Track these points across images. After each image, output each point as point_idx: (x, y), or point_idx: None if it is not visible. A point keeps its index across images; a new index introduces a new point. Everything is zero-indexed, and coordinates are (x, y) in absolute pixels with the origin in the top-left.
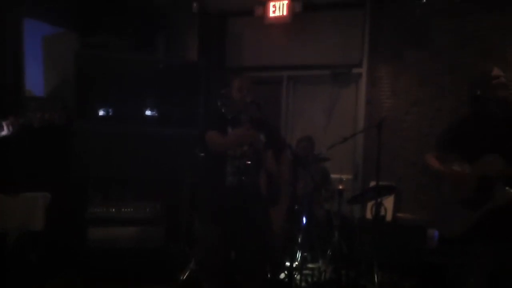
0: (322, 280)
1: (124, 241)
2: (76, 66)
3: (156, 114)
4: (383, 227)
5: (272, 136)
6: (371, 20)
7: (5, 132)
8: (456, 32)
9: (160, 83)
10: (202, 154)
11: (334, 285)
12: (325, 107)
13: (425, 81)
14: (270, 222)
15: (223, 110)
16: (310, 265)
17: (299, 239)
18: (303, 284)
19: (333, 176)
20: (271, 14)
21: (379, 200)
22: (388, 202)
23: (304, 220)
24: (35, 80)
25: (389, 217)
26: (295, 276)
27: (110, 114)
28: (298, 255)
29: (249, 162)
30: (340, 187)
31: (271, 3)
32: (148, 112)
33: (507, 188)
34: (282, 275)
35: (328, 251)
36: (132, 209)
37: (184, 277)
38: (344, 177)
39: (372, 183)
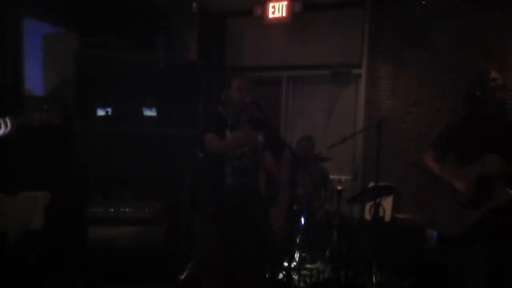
0: (320, 280)
1: (124, 241)
2: (76, 66)
3: (156, 114)
4: (382, 228)
5: (272, 136)
6: (371, 20)
7: (3, 130)
8: (456, 32)
9: (160, 83)
10: (201, 154)
11: (332, 285)
12: (325, 107)
13: (425, 81)
14: (269, 222)
15: (222, 114)
16: (308, 265)
17: (298, 239)
18: (301, 284)
19: (333, 176)
20: (271, 15)
21: (378, 200)
22: (387, 203)
23: (303, 220)
24: (34, 79)
25: (388, 217)
26: (294, 276)
27: (110, 114)
28: (297, 255)
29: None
30: (339, 187)
31: (271, 4)
32: (147, 112)
33: (507, 188)
34: (281, 275)
35: (327, 251)
36: (131, 209)
37: (183, 277)
38: (343, 177)
39: (372, 184)
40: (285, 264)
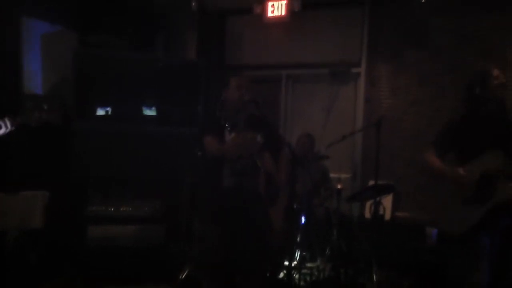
0: (321, 278)
1: (124, 240)
2: (75, 65)
3: (156, 114)
4: (382, 226)
5: (270, 136)
6: (370, 19)
7: (3, 131)
8: (456, 32)
9: (159, 83)
10: (201, 153)
11: (332, 283)
12: (324, 106)
13: (424, 80)
14: (269, 222)
15: (221, 114)
16: (309, 264)
17: (298, 238)
18: (302, 283)
19: (332, 174)
20: (270, 14)
21: (377, 199)
22: (387, 201)
23: (303, 219)
24: (33, 78)
25: (387, 216)
26: (294, 275)
27: (109, 113)
28: (297, 254)
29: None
30: (339, 186)
31: (270, 3)
32: (147, 112)
33: (510, 184)
34: (281, 275)
35: (327, 250)
36: (131, 208)
37: (183, 277)
38: (342, 176)
39: (371, 182)
40: (286, 263)
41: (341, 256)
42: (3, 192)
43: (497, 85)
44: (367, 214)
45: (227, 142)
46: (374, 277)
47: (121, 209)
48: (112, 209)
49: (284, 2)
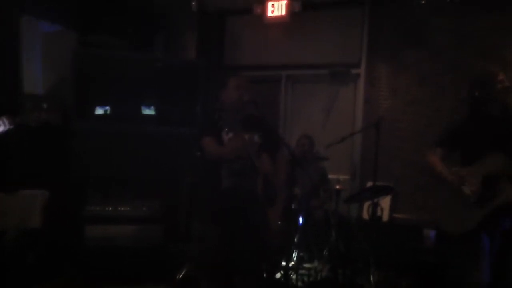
0: (318, 279)
1: (123, 240)
2: (75, 65)
3: (155, 113)
4: (380, 227)
5: (269, 136)
6: (370, 19)
7: (1, 129)
8: (456, 32)
9: (159, 82)
10: (199, 154)
11: (330, 284)
12: (324, 106)
13: (424, 81)
14: (267, 222)
15: (220, 114)
16: (306, 265)
17: (296, 239)
18: (299, 283)
19: (331, 176)
20: (270, 14)
21: (375, 200)
22: (385, 202)
23: (301, 219)
24: (33, 78)
25: (385, 217)
26: (292, 275)
27: (109, 113)
28: (295, 254)
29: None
30: (338, 187)
31: (270, 3)
32: (146, 111)
33: None
34: (279, 275)
35: (325, 251)
36: (130, 208)
37: (181, 277)
38: (341, 177)
39: (370, 183)
40: (283, 263)
41: (339, 257)
42: (3, 192)
43: (503, 88)
44: (365, 215)
45: (224, 143)
46: (372, 277)
47: (120, 209)
48: (111, 209)
49: (284, 2)
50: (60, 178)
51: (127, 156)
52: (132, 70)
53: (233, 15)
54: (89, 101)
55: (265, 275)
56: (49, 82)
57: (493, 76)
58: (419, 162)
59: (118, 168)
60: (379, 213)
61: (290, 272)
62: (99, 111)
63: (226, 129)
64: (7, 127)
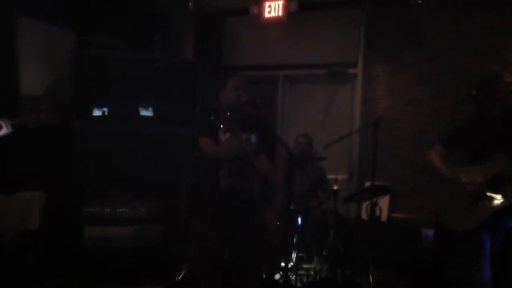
0: (317, 279)
1: (122, 241)
2: (73, 65)
3: (153, 114)
4: (379, 227)
5: (266, 136)
6: (368, 19)
7: (3, 132)
8: (454, 32)
9: (157, 83)
10: (197, 154)
11: (329, 284)
12: (321, 106)
13: (422, 80)
14: (265, 222)
15: (219, 115)
16: (305, 265)
17: (295, 239)
18: (298, 284)
19: (329, 175)
20: (267, 14)
21: (374, 200)
22: (384, 202)
23: (300, 220)
24: (32, 79)
25: (384, 217)
26: (291, 276)
27: (108, 113)
28: (294, 255)
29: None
30: (336, 187)
31: (267, 3)
32: (145, 112)
33: None
34: (278, 276)
35: (324, 251)
36: (129, 209)
37: (180, 277)
38: (340, 177)
39: (368, 183)
40: (282, 264)
41: (338, 257)
42: (2, 193)
43: (507, 89)
44: (364, 215)
45: (222, 144)
46: (371, 277)
47: (119, 209)
48: (110, 210)
49: (281, 3)
50: (59, 179)
51: (126, 157)
52: (131, 70)
53: (231, 16)
54: (88, 102)
55: (264, 275)
56: (47, 83)
57: (498, 77)
58: (417, 161)
59: (117, 169)
60: (377, 213)
61: (289, 273)
62: (97, 111)
63: (223, 130)
64: (9, 130)
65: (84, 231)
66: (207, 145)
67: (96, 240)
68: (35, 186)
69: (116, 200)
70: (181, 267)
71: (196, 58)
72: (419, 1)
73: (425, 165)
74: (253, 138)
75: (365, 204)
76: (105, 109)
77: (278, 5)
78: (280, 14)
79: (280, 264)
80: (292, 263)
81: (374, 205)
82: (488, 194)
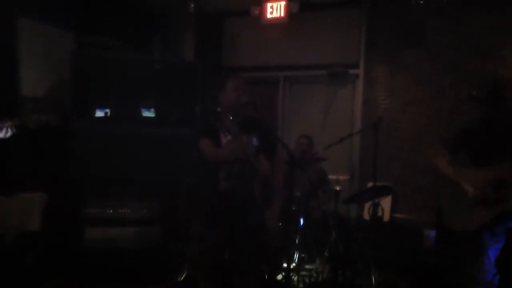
0: (319, 280)
1: (122, 242)
2: (73, 66)
3: (154, 115)
4: (380, 228)
5: (266, 138)
6: (368, 20)
7: (4, 133)
8: (455, 32)
9: (157, 84)
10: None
11: (331, 285)
12: (322, 107)
13: (423, 81)
14: (265, 224)
15: (219, 116)
16: (307, 266)
17: (297, 240)
18: (300, 285)
19: (331, 176)
20: (269, 15)
21: (376, 200)
22: (385, 203)
23: (302, 221)
24: (32, 80)
25: (386, 217)
26: (293, 277)
27: (108, 114)
28: (296, 256)
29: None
30: (337, 187)
31: (269, 4)
32: (145, 113)
33: None
34: (280, 276)
35: (326, 252)
36: (130, 210)
37: (181, 279)
38: (341, 177)
39: (369, 184)
40: (284, 264)
41: (340, 258)
42: (2, 194)
43: None
44: (366, 216)
45: (223, 146)
46: (373, 278)
47: (120, 210)
48: (111, 211)
49: (283, 3)
50: (59, 180)
51: (126, 157)
52: (131, 70)
53: (231, 16)
54: (88, 102)
55: (266, 276)
56: (48, 84)
57: (508, 82)
58: (418, 162)
59: (117, 169)
60: (379, 213)
61: (291, 273)
62: (98, 112)
63: (224, 132)
64: (10, 132)
65: (84, 231)
66: (208, 147)
67: (96, 241)
68: (36, 187)
69: (117, 201)
70: (182, 268)
71: (196, 59)
72: (421, 1)
73: (427, 165)
74: (254, 141)
75: (367, 205)
76: (105, 110)
77: (280, 5)
78: (281, 15)
79: (282, 265)
80: (294, 264)
81: (376, 206)
82: (491, 195)
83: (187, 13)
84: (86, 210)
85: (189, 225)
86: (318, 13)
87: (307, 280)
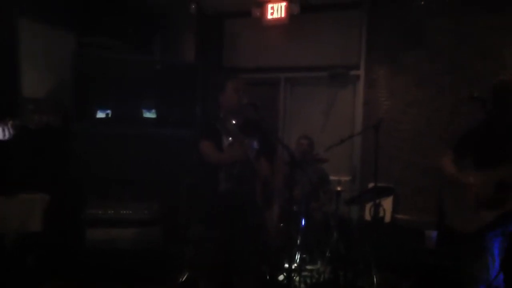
0: (320, 281)
1: (123, 242)
2: (74, 66)
3: (155, 115)
4: (382, 228)
5: (267, 140)
6: (369, 21)
7: (4, 134)
8: (456, 32)
9: (158, 84)
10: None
11: (332, 285)
12: (323, 108)
13: (423, 81)
14: (265, 225)
15: (219, 117)
16: (309, 267)
17: (298, 241)
18: (302, 285)
19: (332, 177)
20: (269, 16)
21: (377, 201)
22: (387, 203)
23: (303, 221)
24: (32, 80)
25: (388, 218)
26: (294, 277)
27: (108, 115)
28: (297, 256)
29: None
30: (338, 188)
31: (269, 5)
32: (146, 113)
33: None
34: (281, 277)
35: (327, 252)
36: (130, 210)
37: (183, 280)
38: (342, 178)
39: (371, 185)
40: (286, 265)
41: (341, 259)
42: (3, 195)
43: None
44: (367, 217)
45: (224, 149)
46: (374, 279)
47: (120, 211)
48: (111, 211)
49: (283, 4)
50: (60, 180)
51: (127, 158)
52: (132, 71)
53: (232, 17)
54: (88, 103)
55: (267, 277)
56: (48, 85)
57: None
58: (418, 163)
59: (118, 170)
60: (381, 214)
61: (292, 274)
62: (98, 112)
63: (225, 133)
64: (11, 133)
65: (85, 232)
66: (208, 149)
67: (97, 242)
68: (36, 187)
69: (118, 202)
70: (183, 269)
71: (197, 60)
72: (421, 2)
73: (428, 166)
74: (255, 143)
75: (369, 205)
76: (106, 110)
77: (281, 7)
78: (282, 16)
79: (283, 265)
80: (295, 265)
81: (377, 206)
82: (493, 196)
83: (187, 13)
84: (86, 210)
85: (190, 226)
86: (319, 14)
87: (308, 281)
